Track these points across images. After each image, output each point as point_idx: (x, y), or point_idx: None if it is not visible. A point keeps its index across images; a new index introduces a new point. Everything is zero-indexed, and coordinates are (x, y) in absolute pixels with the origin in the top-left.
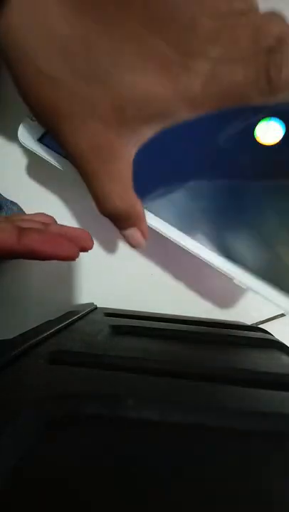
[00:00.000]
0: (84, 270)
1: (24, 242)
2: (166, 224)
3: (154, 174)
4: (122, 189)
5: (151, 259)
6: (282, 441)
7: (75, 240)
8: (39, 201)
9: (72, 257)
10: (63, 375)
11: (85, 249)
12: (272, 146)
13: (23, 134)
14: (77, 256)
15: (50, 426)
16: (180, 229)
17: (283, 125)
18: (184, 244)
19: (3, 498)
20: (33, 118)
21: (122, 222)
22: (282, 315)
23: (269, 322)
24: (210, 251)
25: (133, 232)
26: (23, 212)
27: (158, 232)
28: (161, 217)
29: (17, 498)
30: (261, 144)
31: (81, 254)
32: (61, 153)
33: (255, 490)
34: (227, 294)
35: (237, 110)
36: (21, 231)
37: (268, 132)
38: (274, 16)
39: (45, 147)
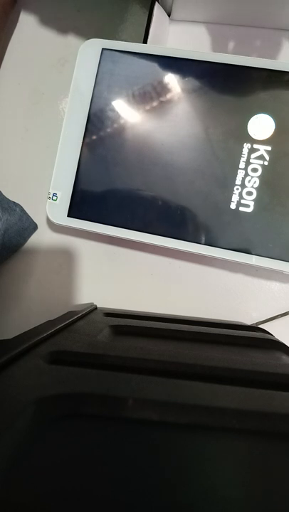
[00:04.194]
0: (84, 270)
1: None
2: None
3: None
4: None
5: (151, 259)
6: (282, 441)
7: None
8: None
9: None
10: (63, 375)
11: None
12: None
13: (52, 213)
14: None
15: (50, 426)
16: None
17: (274, 120)
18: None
19: (1, 498)
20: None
21: None
22: (283, 315)
23: (269, 322)
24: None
25: None
26: (26, 214)
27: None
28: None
29: (15, 498)
30: None
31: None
32: (95, 219)
33: (255, 490)
34: (227, 294)
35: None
36: None
37: (259, 127)
38: None
39: (77, 220)
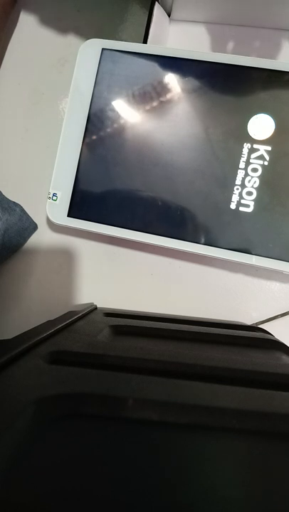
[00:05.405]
0: (84, 270)
1: None
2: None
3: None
4: None
5: (151, 259)
6: (282, 441)
7: None
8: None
9: None
10: (63, 375)
11: None
12: None
13: (52, 213)
14: None
15: (50, 426)
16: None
17: (274, 120)
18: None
19: (1, 498)
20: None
21: None
22: (283, 315)
23: (269, 322)
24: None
25: None
26: (26, 214)
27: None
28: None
29: (15, 498)
30: None
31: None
32: (94, 219)
33: (255, 490)
34: (227, 294)
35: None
36: None
37: (259, 127)
38: None
39: (77, 220)
